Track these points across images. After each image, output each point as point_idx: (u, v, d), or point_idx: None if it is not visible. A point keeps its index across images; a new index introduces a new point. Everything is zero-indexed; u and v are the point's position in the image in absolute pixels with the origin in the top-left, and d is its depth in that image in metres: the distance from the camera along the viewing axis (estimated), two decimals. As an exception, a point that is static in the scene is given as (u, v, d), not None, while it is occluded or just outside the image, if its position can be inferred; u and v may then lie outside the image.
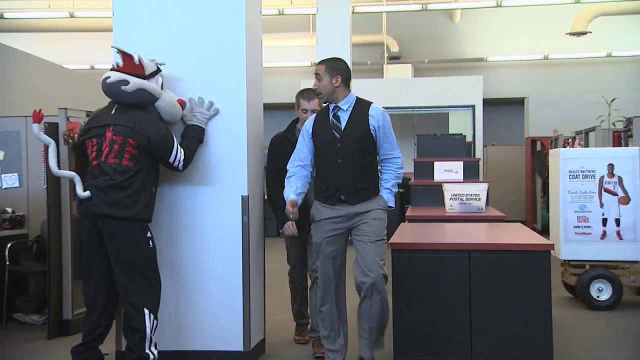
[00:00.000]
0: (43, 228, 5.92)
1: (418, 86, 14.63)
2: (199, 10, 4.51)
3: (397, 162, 4.28)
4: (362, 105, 4.26)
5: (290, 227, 4.60)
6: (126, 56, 4.08)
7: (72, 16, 14.32)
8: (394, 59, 16.75)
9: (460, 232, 5.10)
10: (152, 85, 4.11)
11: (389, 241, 4.79)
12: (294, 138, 4.61)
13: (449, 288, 4.28)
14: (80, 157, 4.34)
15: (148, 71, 4.11)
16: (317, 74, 4.23)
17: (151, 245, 4.09)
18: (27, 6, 14.64)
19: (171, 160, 4.10)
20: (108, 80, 4.07)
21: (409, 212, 6.87)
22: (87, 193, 3.99)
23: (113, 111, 4.11)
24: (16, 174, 6.33)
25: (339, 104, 4.22)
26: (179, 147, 4.15)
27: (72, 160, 5.49)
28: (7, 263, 5.76)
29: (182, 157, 4.15)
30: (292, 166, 4.34)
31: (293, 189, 4.24)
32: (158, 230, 4.39)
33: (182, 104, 4.33)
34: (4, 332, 5.61)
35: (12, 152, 6.32)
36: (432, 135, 10.68)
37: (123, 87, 4.02)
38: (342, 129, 4.19)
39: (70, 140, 5.40)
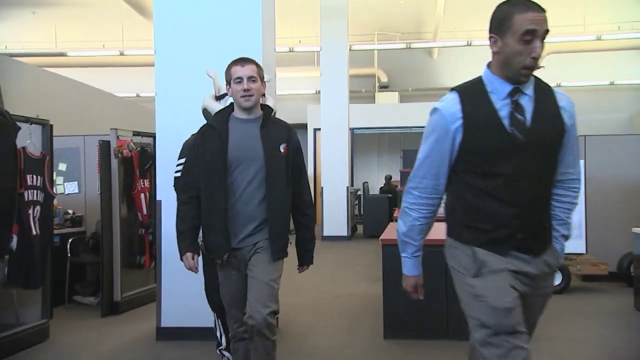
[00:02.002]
0: (97, 226, 5.92)
1: (403, 110, 14.64)
2: (224, 50, 4.48)
3: (576, 187, 2.18)
4: (544, 87, 2.10)
5: (189, 260, 2.83)
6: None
7: (121, 54, 14.53)
8: (384, 87, 16.77)
9: (439, 230, 5.07)
10: (212, 105, 3.60)
11: (380, 237, 4.75)
12: (224, 127, 2.86)
13: (429, 278, 4.21)
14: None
15: (219, 93, 3.69)
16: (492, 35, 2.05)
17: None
18: (85, 46, 14.76)
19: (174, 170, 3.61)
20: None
21: (396, 214, 6.85)
22: None
23: None
24: (76, 183, 6.36)
25: (520, 86, 2.02)
26: (181, 166, 3.39)
27: (121, 171, 5.51)
28: (69, 255, 5.78)
29: (175, 176, 3.53)
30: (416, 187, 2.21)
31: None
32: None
33: None
34: (66, 311, 5.61)
35: (73, 164, 6.36)
36: (415, 150, 10.57)
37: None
38: (529, 125, 1.99)
39: (120, 155, 5.42)
